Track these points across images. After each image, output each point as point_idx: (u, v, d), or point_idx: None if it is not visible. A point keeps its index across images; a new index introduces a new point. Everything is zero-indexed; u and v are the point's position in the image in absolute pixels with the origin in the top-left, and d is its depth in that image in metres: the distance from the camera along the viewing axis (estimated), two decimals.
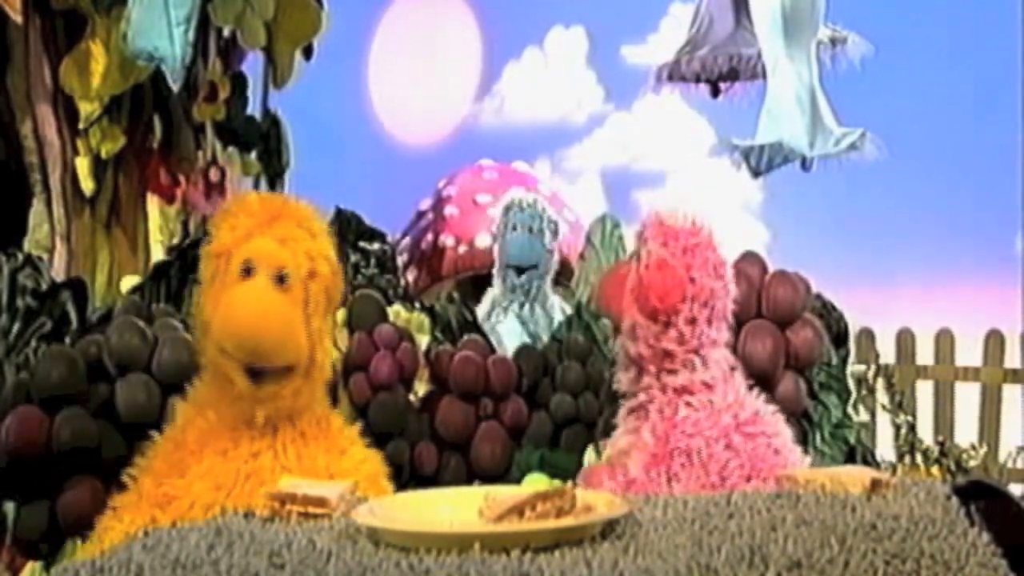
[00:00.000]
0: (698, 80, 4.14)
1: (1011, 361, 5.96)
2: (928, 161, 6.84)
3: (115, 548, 1.63)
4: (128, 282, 4.18)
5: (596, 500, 1.69)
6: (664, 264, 2.34)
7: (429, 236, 5.56)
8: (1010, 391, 5.91)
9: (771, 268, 3.11)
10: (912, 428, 5.29)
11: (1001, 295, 6.49)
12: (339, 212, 4.56)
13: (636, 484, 2.30)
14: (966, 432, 5.80)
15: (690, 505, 1.75)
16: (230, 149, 5.09)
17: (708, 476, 2.29)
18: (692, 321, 2.36)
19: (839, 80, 3.89)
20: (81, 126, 4.54)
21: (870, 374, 5.39)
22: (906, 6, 6.88)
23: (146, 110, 4.78)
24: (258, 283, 2.23)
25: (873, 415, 5.22)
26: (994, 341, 5.98)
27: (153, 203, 4.84)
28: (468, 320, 3.97)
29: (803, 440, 2.85)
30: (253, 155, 5.18)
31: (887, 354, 5.87)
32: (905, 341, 6.08)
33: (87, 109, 4.52)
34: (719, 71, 4.06)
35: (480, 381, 3.32)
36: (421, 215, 5.74)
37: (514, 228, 4.42)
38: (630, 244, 2.63)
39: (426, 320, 3.94)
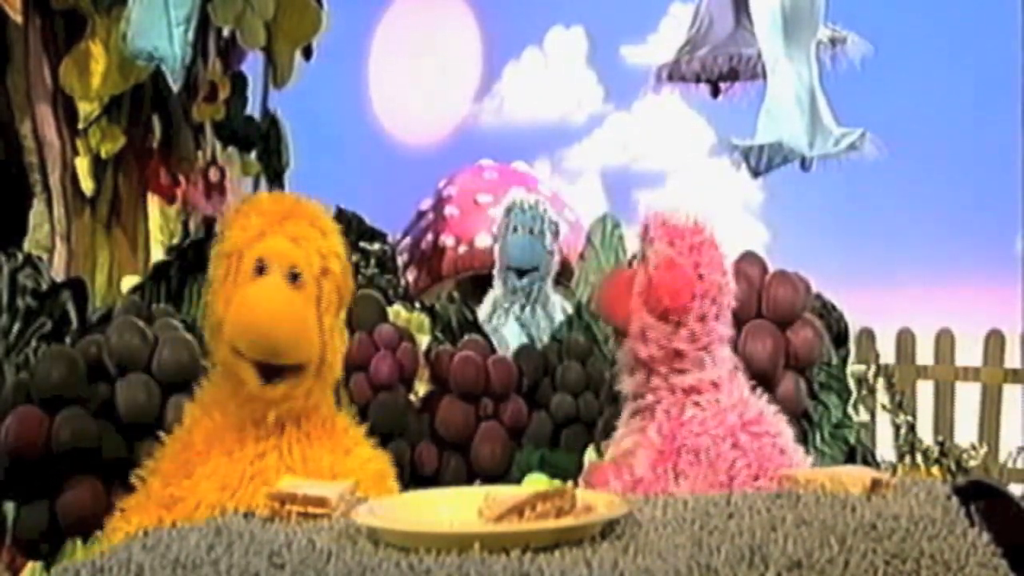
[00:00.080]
0: (698, 80, 4.14)
1: (1011, 361, 5.95)
2: (928, 161, 6.84)
3: (115, 548, 1.63)
4: (128, 282, 4.18)
5: (596, 500, 1.69)
6: (672, 263, 2.34)
7: (429, 236, 5.56)
8: (1010, 391, 5.91)
9: (771, 268, 3.11)
10: (912, 428, 5.29)
11: (1001, 295, 6.49)
12: (339, 212, 4.56)
13: (643, 483, 2.30)
14: (966, 432, 5.80)
15: (690, 505, 1.75)
16: (230, 149, 5.09)
17: (716, 475, 2.28)
18: (702, 318, 2.36)
19: (839, 80, 3.89)
20: (81, 126, 4.54)
21: (870, 374, 5.39)
22: (906, 6, 6.88)
23: (146, 110, 4.78)
24: (271, 281, 2.23)
25: (873, 415, 5.22)
26: (994, 341, 5.98)
27: (153, 203, 4.84)
28: (468, 320, 3.97)
29: (803, 440, 2.84)
30: (253, 155, 5.18)
31: (887, 354, 5.87)
32: (905, 341, 6.08)
33: (87, 109, 4.52)
34: (719, 71, 4.06)
35: (480, 381, 3.32)
36: (421, 215, 5.74)
37: (515, 230, 4.41)
38: (630, 244, 2.63)
39: (426, 320, 3.94)
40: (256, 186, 5.20)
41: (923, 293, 6.85)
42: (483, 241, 5.14)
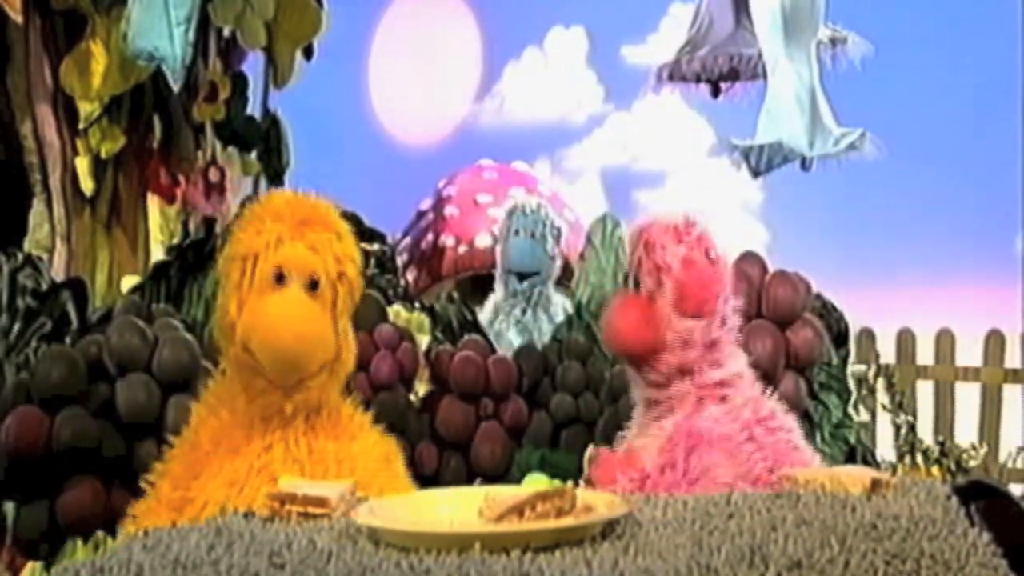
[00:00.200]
0: (698, 80, 4.14)
1: (1011, 361, 5.95)
2: (928, 161, 6.84)
3: (115, 548, 1.63)
4: (128, 282, 4.18)
5: (596, 500, 1.69)
6: (690, 259, 2.33)
7: (429, 236, 5.56)
8: (1010, 391, 5.91)
9: (771, 268, 3.11)
10: (912, 428, 5.28)
11: (1001, 295, 6.49)
12: (339, 212, 4.55)
13: (652, 478, 2.29)
14: (966, 432, 5.80)
15: (690, 505, 1.75)
16: (230, 149, 5.10)
17: (736, 467, 2.27)
18: (726, 300, 2.36)
19: (839, 80, 3.89)
20: (81, 126, 4.54)
21: (870, 374, 5.38)
22: (906, 6, 6.88)
23: (146, 110, 4.78)
24: (293, 296, 2.23)
25: (873, 415, 5.21)
26: (994, 341, 5.98)
27: (153, 203, 4.85)
28: (468, 320, 3.97)
29: None
30: (253, 155, 5.18)
31: (887, 354, 5.86)
32: (905, 341, 6.08)
33: (87, 109, 4.52)
34: (719, 71, 4.06)
35: (480, 381, 3.32)
36: (421, 215, 5.74)
37: (516, 233, 4.40)
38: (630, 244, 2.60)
39: (426, 320, 3.94)
40: (256, 186, 5.20)
41: (923, 293, 6.85)
42: (483, 241, 5.15)
